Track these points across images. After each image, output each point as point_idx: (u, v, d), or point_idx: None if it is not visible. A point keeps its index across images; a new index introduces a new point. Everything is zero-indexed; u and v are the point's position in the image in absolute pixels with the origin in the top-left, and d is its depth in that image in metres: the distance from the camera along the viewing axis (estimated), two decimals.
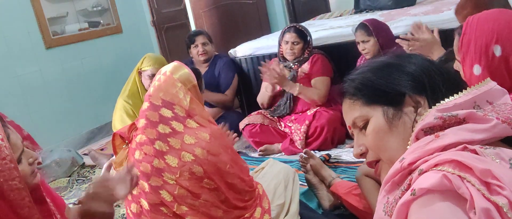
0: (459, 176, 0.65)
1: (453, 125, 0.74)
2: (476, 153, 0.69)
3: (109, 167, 1.41)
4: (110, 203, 1.26)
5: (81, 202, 1.24)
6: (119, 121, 3.15)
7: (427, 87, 0.81)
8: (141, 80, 3.12)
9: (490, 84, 0.79)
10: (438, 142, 0.72)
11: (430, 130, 0.76)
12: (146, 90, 3.05)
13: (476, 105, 0.76)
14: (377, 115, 0.83)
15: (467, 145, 0.70)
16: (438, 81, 0.82)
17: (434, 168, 0.68)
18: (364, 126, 0.85)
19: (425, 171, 0.69)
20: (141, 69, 3.10)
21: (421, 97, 0.81)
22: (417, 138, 0.77)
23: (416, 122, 0.79)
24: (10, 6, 3.77)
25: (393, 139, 0.81)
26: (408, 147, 0.78)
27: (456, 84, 0.82)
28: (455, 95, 0.77)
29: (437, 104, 0.77)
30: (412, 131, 0.79)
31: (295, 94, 3.03)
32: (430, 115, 0.76)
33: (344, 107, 0.90)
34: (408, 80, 0.82)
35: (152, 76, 2.98)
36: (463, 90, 0.78)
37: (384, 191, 0.78)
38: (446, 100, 0.77)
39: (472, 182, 0.64)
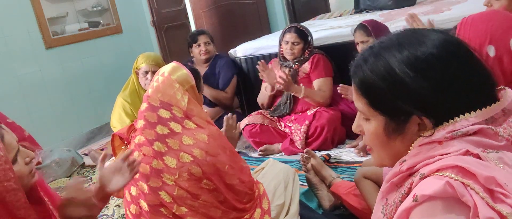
0: (462, 183, 0.64)
1: (460, 137, 0.71)
2: (479, 158, 0.68)
3: (103, 159, 1.37)
4: (88, 206, 1.22)
5: (58, 208, 1.21)
6: (118, 119, 3.15)
7: (441, 108, 0.72)
8: (138, 79, 3.13)
9: (509, 97, 0.74)
10: (441, 150, 0.71)
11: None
12: (143, 89, 3.06)
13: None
14: (377, 123, 0.78)
15: (470, 149, 0.69)
16: (461, 94, 0.72)
17: (436, 173, 0.66)
18: (366, 118, 0.81)
19: (427, 176, 0.67)
20: (136, 68, 3.11)
21: (429, 119, 0.73)
22: (421, 145, 0.74)
23: (420, 136, 0.74)
24: (10, 6, 3.77)
25: (389, 148, 0.78)
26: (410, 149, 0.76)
27: (485, 94, 0.73)
28: (474, 111, 0.71)
29: (455, 118, 0.71)
30: (411, 144, 0.75)
31: (300, 97, 3.02)
32: (439, 134, 0.72)
33: (352, 87, 0.82)
34: (421, 99, 0.72)
35: (147, 73, 3.01)
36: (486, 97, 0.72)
37: (382, 192, 0.77)
38: (467, 115, 0.70)
39: (476, 190, 0.63)
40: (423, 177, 0.68)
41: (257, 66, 3.04)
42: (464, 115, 0.71)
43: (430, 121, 0.73)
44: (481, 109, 0.71)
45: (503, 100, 0.74)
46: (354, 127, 0.85)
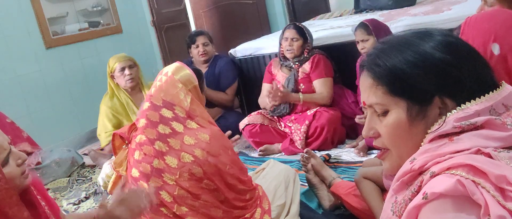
0: (473, 181, 0.63)
1: (469, 130, 0.72)
2: (490, 157, 0.67)
3: (123, 186, 1.44)
4: (134, 213, 1.26)
5: (103, 205, 1.27)
6: (101, 127, 3.33)
7: (460, 89, 0.74)
8: (116, 83, 3.23)
9: (508, 88, 0.76)
10: (452, 146, 0.70)
11: (445, 134, 0.73)
12: (123, 89, 3.21)
13: (492, 109, 0.73)
14: (399, 110, 0.77)
15: (481, 148, 0.68)
16: (472, 79, 0.75)
17: (447, 172, 0.66)
18: (382, 114, 0.80)
19: (437, 174, 0.67)
20: (111, 71, 3.20)
21: (449, 99, 0.75)
22: (431, 140, 0.74)
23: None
24: (10, 6, 3.77)
25: (410, 138, 0.77)
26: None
27: (487, 83, 0.76)
28: (473, 100, 0.73)
29: (457, 108, 0.73)
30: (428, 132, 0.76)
31: (300, 104, 3.04)
32: (448, 124, 0.72)
33: (364, 83, 0.82)
34: (442, 79, 0.74)
35: (123, 69, 3.14)
36: (486, 89, 0.74)
37: (392, 190, 0.77)
38: (468, 104, 0.73)
39: (487, 188, 0.62)
40: (434, 175, 0.67)
41: (268, 96, 3.04)
42: (465, 104, 0.73)
43: (449, 102, 0.75)
44: (480, 98, 0.73)
45: (502, 90, 0.75)
46: (365, 132, 0.83)
